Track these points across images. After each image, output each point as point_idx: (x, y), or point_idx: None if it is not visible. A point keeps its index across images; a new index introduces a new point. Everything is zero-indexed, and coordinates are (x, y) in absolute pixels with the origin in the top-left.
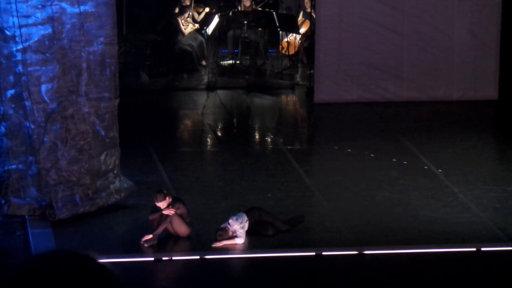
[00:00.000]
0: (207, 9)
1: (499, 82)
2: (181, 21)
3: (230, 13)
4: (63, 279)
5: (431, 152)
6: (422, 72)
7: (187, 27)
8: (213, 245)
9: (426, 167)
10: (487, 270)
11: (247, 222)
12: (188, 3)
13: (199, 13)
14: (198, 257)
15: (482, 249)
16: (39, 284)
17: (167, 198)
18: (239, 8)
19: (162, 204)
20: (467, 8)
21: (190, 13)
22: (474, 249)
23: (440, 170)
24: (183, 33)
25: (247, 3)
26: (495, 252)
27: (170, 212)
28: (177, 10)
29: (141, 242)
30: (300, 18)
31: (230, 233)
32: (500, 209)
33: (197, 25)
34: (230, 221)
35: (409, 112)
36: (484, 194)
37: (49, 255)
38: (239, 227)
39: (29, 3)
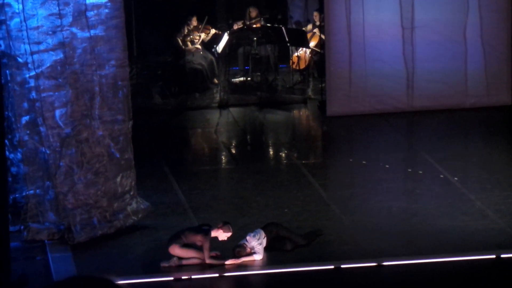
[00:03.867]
0: (213, 31)
1: None
2: (184, 41)
3: (240, 30)
4: None
5: (446, 161)
6: (434, 80)
7: (193, 46)
8: (231, 262)
9: (442, 176)
10: (507, 277)
11: (265, 238)
12: (195, 24)
13: (207, 35)
14: (217, 274)
15: (502, 256)
16: None
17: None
18: (246, 21)
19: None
20: (476, 15)
21: (199, 34)
22: (494, 256)
23: (456, 178)
24: (185, 51)
25: (253, 14)
26: None
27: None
28: (186, 31)
29: (167, 264)
30: (309, 32)
31: (248, 249)
32: None
33: (200, 47)
34: (247, 237)
35: (423, 121)
36: (502, 201)
37: (70, 280)
38: (257, 243)
39: (40, 29)
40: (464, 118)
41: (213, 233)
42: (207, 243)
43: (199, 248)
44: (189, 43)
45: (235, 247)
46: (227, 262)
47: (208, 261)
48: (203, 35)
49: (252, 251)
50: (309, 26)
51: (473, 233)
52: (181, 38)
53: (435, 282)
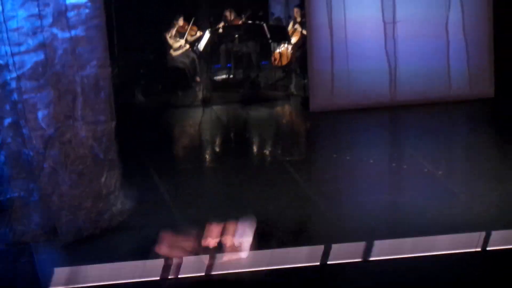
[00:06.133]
0: (199, 33)
1: (495, 79)
2: (170, 38)
3: (221, 28)
4: None
5: (430, 155)
6: (416, 75)
7: (178, 45)
8: (216, 260)
9: (426, 170)
10: (493, 270)
11: (251, 236)
12: (181, 23)
13: (192, 36)
14: (203, 273)
15: (488, 248)
16: None
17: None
18: (225, 22)
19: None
20: (458, 9)
21: (184, 33)
22: (480, 249)
23: (440, 172)
24: (171, 49)
25: (230, 16)
26: (501, 251)
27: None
28: (173, 32)
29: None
30: (291, 28)
31: (234, 246)
32: (504, 208)
33: (187, 46)
34: (236, 235)
35: (406, 116)
36: (487, 194)
37: None
38: (243, 241)
39: (20, 31)
40: (447, 111)
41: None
42: (193, 244)
43: (186, 249)
44: (177, 43)
45: (219, 243)
46: (210, 259)
47: (206, 261)
48: (188, 36)
49: (238, 248)
50: (291, 24)
51: (458, 227)
52: (170, 36)
53: (422, 277)
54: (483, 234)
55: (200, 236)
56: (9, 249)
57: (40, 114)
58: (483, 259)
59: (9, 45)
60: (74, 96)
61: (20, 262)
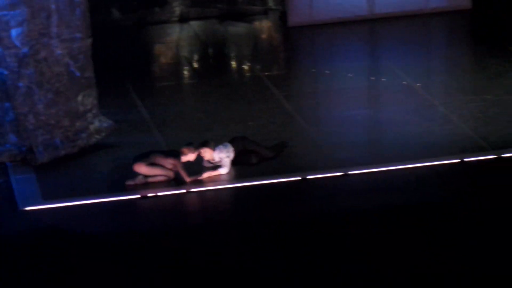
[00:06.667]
0: None
1: None
2: None
3: None
4: None
5: (408, 67)
6: None
7: None
8: (193, 179)
9: (405, 83)
10: (471, 180)
11: (233, 151)
12: None
13: None
14: (184, 191)
15: (466, 159)
16: None
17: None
18: None
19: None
20: None
21: None
22: (458, 160)
23: (419, 84)
24: None
25: None
26: (479, 162)
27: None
28: None
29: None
30: None
31: (214, 163)
32: (481, 119)
33: None
34: (216, 150)
35: (384, 28)
36: (465, 105)
37: None
38: (225, 156)
39: None
40: (425, 23)
41: (186, 158)
42: (180, 164)
43: (165, 167)
44: None
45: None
46: (192, 178)
47: (188, 179)
48: None
49: (219, 163)
50: None
51: (437, 139)
52: None
53: (402, 188)
54: (461, 145)
55: (179, 154)
56: None
57: (13, 32)
58: (462, 169)
59: None
60: (49, 13)
61: None
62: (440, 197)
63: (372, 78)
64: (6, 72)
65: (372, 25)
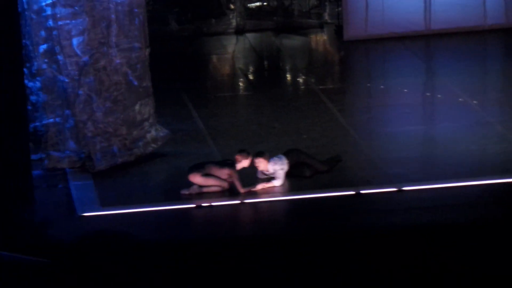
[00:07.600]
0: None
1: None
2: None
3: None
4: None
5: (464, 84)
6: (451, 3)
7: None
8: (247, 190)
9: (460, 99)
10: None
11: (287, 164)
12: None
13: None
14: (238, 201)
15: None
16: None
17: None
18: None
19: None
20: None
21: None
22: None
23: (475, 102)
24: None
25: None
26: None
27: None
28: None
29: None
30: None
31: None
32: None
33: None
34: (271, 162)
35: (440, 44)
36: None
37: (95, 234)
38: (279, 168)
39: None
40: (482, 40)
41: (240, 164)
42: (235, 174)
43: (219, 178)
44: None
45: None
46: (246, 189)
47: (242, 190)
48: None
49: (273, 175)
50: None
51: (492, 157)
52: None
53: (455, 206)
54: None
55: (233, 164)
56: (46, 174)
57: (75, 41)
58: None
59: None
60: (109, 22)
61: (56, 188)
62: (493, 216)
63: (427, 94)
64: (67, 80)
65: (428, 40)
